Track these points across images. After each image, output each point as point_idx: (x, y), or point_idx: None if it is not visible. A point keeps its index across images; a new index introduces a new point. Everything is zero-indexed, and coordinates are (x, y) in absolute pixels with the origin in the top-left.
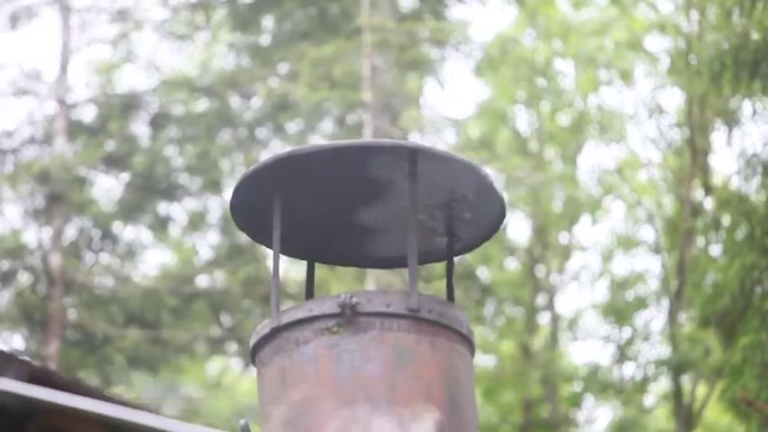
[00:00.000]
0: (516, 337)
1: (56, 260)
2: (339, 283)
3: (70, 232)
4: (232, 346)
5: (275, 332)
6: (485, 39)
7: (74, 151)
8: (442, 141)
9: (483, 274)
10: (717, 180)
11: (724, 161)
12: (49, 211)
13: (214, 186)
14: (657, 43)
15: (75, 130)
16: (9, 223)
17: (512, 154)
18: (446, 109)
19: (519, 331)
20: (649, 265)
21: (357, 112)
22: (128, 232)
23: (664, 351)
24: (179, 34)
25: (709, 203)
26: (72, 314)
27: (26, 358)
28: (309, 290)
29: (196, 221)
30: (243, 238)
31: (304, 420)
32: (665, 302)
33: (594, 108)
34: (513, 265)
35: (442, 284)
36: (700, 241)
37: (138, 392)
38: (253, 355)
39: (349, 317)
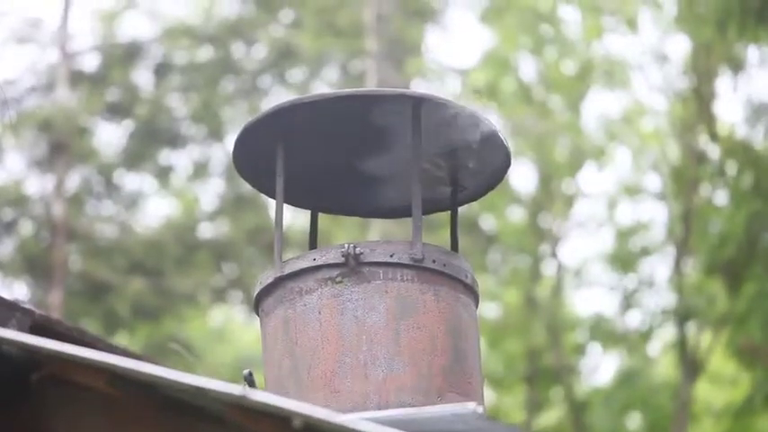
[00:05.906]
0: (521, 285)
1: (58, 209)
2: (342, 232)
3: (73, 181)
4: (235, 296)
5: (278, 282)
6: None
7: (76, 100)
8: (446, 90)
9: (487, 222)
10: (722, 128)
11: (730, 109)
12: (52, 160)
13: (217, 135)
14: None
15: (78, 78)
16: (11, 172)
17: (516, 102)
18: (450, 57)
19: (523, 280)
20: (654, 214)
21: (361, 61)
22: (130, 181)
23: (669, 299)
24: None
25: (714, 151)
26: (75, 263)
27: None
28: (313, 239)
29: (199, 170)
30: (246, 187)
31: (308, 369)
32: (671, 251)
33: (599, 56)
34: (517, 213)
35: (447, 234)
36: (705, 189)
37: (141, 342)
38: (256, 305)
39: (352, 266)
